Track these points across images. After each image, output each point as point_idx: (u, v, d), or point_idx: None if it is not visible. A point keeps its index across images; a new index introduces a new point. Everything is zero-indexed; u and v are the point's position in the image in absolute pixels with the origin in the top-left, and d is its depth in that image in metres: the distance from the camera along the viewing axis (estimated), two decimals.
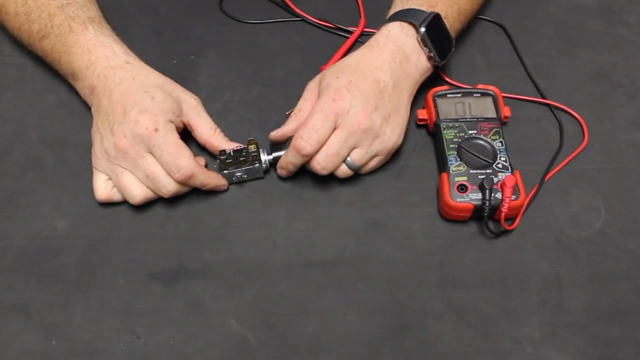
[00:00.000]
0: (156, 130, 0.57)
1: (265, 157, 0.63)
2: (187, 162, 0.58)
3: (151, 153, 0.58)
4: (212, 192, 0.63)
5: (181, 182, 0.59)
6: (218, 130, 0.64)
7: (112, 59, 0.62)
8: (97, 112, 0.62)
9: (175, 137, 0.59)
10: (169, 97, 0.61)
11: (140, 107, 0.58)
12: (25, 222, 0.62)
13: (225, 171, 0.63)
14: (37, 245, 0.60)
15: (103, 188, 0.61)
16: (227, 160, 0.63)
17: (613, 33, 0.77)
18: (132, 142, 0.57)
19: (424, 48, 0.64)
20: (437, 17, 0.64)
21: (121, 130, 0.57)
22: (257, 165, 0.63)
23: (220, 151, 0.63)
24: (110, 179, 0.61)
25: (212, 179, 0.61)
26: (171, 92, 0.62)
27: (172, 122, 0.59)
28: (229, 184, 0.64)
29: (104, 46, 0.63)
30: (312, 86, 0.63)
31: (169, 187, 0.59)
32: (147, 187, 0.60)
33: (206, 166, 0.65)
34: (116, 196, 0.61)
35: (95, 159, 0.61)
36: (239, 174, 0.63)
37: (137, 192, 0.60)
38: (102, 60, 0.62)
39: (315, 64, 0.68)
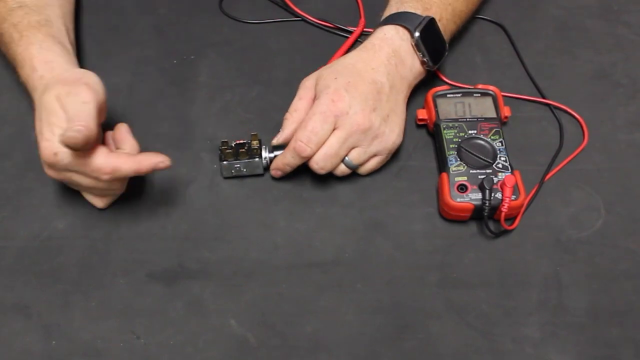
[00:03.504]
0: (55, 154, 0.53)
1: (266, 154, 0.63)
2: (102, 163, 0.54)
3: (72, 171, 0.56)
4: (211, 192, 0.63)
5: (113, 180, 0.56)
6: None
7: (32, 77, 0.59)
8: None
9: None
10: (51, 107, 0.54)
11: (38, 131, 0.54)
12: (25, 222, 0.62)
13: (224, 162, 0.63)
14: (37, 245, 0.60)
15: (97, 199, 0.61)
16: (227, 151, 0.63)
17: (613, 33, 0.77)
18: (53, 170, 0.56)
19: (418, 53, 0.64)
20: (431, 21, 0.64)
21: (42, 161, 0.55)
22: (257, 159, 0.63)
23: (222, 141, 0.63)
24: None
25: (143, 161, 0.55)
26: (51, 101, 0.54)
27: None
28: (228, 177, 0.64)
29: (29, 60, 0.60)
30: (307, 85, 0.63)
31: (110, 189, 0.59)
32: (101, 196, 0.60)
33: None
34: (111, 197, 0.61)
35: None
36: (238, 166, 0.63)
37: (98, 202, 0.61)
38: (28, 78, 0.60)
39: (315, 64, 0.68)
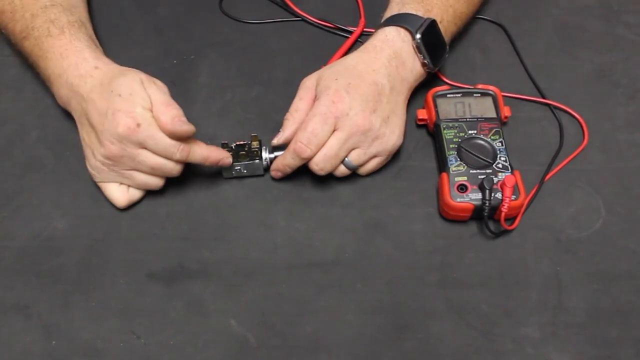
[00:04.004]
0: (138, 125, 0.56)
1: (266, 155, 0.63)
2: (184, 144, 0.58)
3: (144, 147, 0.57)
4: (211, 192, 0.63)
5: (184, 161, 0.59)
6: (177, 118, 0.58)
7: (82, 66, 0.60)
8: (79, 125, 0.61)
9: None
10: (134, 87, 0.57)
11: (113, 108, 0.56)
12: (25, 222, 0.62)
13: None
14: (37, 245, 0.60)
15: (120, 195, 0.61)
16: (228, 152, 0.63)
17: (613, 33, 0.77)
18: (122, 146, 0.57)
19: (419, 55, 0.64)
20: (432, 23, 0.64)
21: (106, 137, 0.57)
22: (257, 161, 0.63)
23: (222, 143, 0.63)
24: (121, 184, 0.61)
25: (213, 151, 0.60)
26: (134, 82, 0.58)
27: (148, 109, 0.57)
28: (229, 177, 0.64)
29: (75, 52, 0.61)
30: (307, 85, 0.63)
31: (175, 170, 0.59)
32: (158, 176, 0.60)
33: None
34: (135, 196, 0.62)
35: (97, 172, 0.60)
36: (239, 167, 0.63)
37: (155, 181, 0.61)
38: (73, 68, 0.61)
39: (315, 64, 0.68)
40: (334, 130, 0.59)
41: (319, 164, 0.60)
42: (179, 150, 0.57)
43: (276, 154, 0.63)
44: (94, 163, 0.59)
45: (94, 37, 0.67)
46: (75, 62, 0.61)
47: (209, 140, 0.67)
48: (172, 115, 0.56)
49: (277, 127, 0.63)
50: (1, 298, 0.57)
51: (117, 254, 0.60)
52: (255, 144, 0.64)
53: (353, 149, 0.60)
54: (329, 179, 0.64)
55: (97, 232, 0.61)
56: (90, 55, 0.62)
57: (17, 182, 0.64)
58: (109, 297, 0.57)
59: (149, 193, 0.63)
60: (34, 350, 0.55)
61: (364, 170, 0.63)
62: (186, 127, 0.56)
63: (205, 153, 0.59)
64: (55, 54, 0.62)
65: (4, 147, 0.67)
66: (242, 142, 0.63)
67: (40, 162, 0.66)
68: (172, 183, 0.64)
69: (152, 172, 0.59)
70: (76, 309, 0.57)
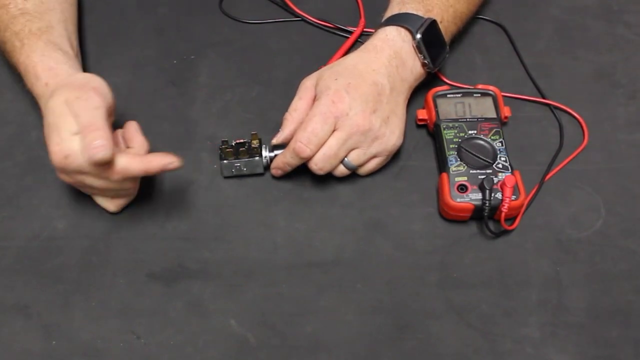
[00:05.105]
0: (66, 157, 0.53)
1: (266, 153, 0.63)
2: (116, 164, 0.54)
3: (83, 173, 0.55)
4: (211, 192, 0.63)
5: (124, 180, 0.56)
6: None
7: (37, 85, 0.59)
8: None
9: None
10: (58, 112, 0.53)
11: (46, 137, 0.54)
12: (25, 222, 0.62)
13: (225, 161, 0.63)
14: (37, 245, 0.60)
15: (106, 202, 0.61)
16: (227, 150, 0.63)
17: (613, 33, 0.77)
18: (64, 176, 0.56)
19: (419, 55, 0.64)
20: (433, 23, 0.64)
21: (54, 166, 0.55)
22: (257, 158, 0.63)
23: (222, 140, 0.63)
24: None
25: (152, 162, 0.55)
26: (58, 106, 0.54)
27: (75, 133, 0.53)
28: (229, 176, 0.64)
29: (31, 68, 0.59)
30: (307, 85, 0.63)
31: (122, 190, 0.58)
32: (116, 197, 0.60)
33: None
34: (122, 201, 0.61)
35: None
36: (238, 165, 0.63)
37: (113, 205, 0.60)
38: (33, 86, 0.59)
39: (315, 64, 0.68)
40: (333, 130, 0.59)
41: (318, 164, 0.60)
42: (111, 175, 0.54)
43: (276, 152, 0.63)
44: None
45: (60, 40, 0.64)
46: (32, 82, 0.60)
47: (209, 141, 0.67)
48: (87, 141, 0.51)
49: (277, 127, 0.63)
50: (1, 298, 0.57)
51: (117, 254, 0.60)
52: (255, 142, 0.64)
53: (353, 149, 0.60)
54: (329, 179, 0.64)
55: (97, 232, 0.61)
56: (42, 69, 0.59)
57: (17, 182, 0.64)
58: (109, 297, 0.57)
59: (149, 193, 0.63)
60: (34, 350, 0.55)
61: (363, 170, 0.63)
62: (101, 155, 0.51)
63: (144, 166, 0.55)
64: (21, 69, 0.61)
65: (4, 147, 0.67)
66: (242, 140, 0.63)
67: (41, 162, 0.66)
68: (172, 183, 0.64)
69: (106, 194, 0.59)
70: (76, 309, 0.57)
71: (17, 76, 0.64)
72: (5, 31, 0.63)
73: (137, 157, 0.56)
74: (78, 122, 0.52)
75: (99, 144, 0.51)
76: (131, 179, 0.57)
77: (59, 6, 0.68)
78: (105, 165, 0.53)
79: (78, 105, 0.53)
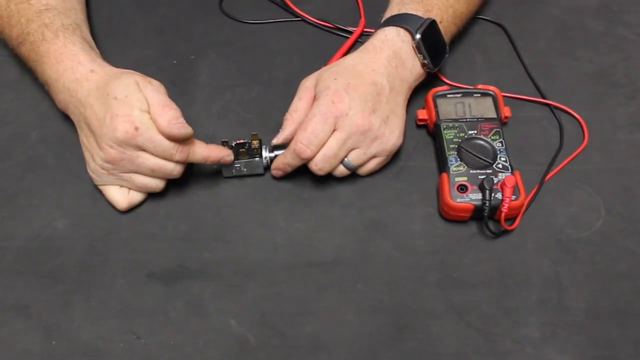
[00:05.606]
0: (136, 129, 0.55)
1: (266, 154, 0.63)
2: (185, 144, 0.58)
3: (143, 149, 0.57)
4: (211, 192, 0.63)
5: (184, 161, 0.59)
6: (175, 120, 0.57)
7: (77, 69, 0.60)
8: (78, 129, 0.61)
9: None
10: (130, 90, 0.57)
11: (110, 112, 0.56)
12: (25, 222, 0.62)
13: None
14: (37, 245, 0.60)
15: (121, 198, 0.61)
16: (229, 150, 0.63)
17: (613, 33, 0.77)
18: (121, 150, 0.56)
19: (418, 55, 0.64)
20: (432, 23, 0.64)
21: (105, 142, 0.56)
22: (257, 159, 0.63)
23: (222, 141, 0.63)
24: (122, 187, 0.61)
25: (213, 150, 0.60)
26: (130, 85, 0.58)
27: (145, 111, 0.57)
28: (229, 176, 0.64)
29: (70, 55, 0.61)
30: (307, 85, 0.63)
31: (175, 171, 0.59)
32: (158, 177, 0.60)
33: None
34: (136, 198, 0.62)
35: (97, 176, 0.60)
36: (238, 165, 0.63)
37: (155, 183, 0.60)
38: (69, 72, 0.60)
39: (315, 64, 0.68)
40: (333, 131, 0.59)
41: (318, 164, 0.60)
42: (178, 151, 0.57)
43: (276, 152, 0.63)
44: (94, 167, 0.59)
45: (90, 39, 0.67)
46: (71, 66, 0.60)
47: (209, 141, 0.67)
48: (169, 117, 0.56)
49: (277, 127, 0.63)
50: (1, 298, 0.57)
51: (117, 254, 0.60)
52: (255, 142, 0.64)
53: (352, 149, 0.60)
54: (329, 179, 0.64)
55: (97, 232, 0.61)
56: (85, 58, 0.61)
57: (17, 182, 0.64)
58: (109, 297, 0.57)
59: (149, 194, 0.63)
60: (34, 350, 0.55)
61: (363, 170, 0.63)
62: (184, 131, 0.56)
63: (206, 153, 0.59)
64: (51, 58, 0.61)
65: (5, 147, 0.67)
66: (242, 141, 0.63)
67: (41, 163, 0.66)
68: (172, 183, 0.63)
69: (152, 174, 0.59)
70: (76, 309, 0.57)
71: (27, 71, 0.66)
72: (31, 23, 0.64)
73: (203, 143, 0.60)
74: (152, 101, 0.56)
75: (182, 121, 0.56)
76: (183, 164, 0.59)
77: (79, 6, 0.70)
78: (176, 143, 0.57)
79: (152, 88, 0.58)
